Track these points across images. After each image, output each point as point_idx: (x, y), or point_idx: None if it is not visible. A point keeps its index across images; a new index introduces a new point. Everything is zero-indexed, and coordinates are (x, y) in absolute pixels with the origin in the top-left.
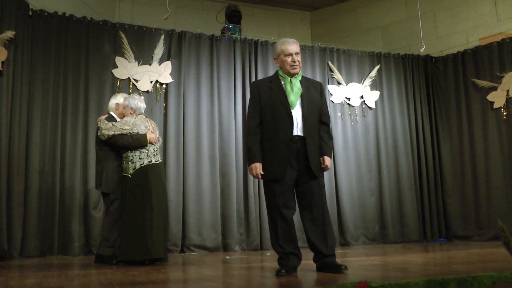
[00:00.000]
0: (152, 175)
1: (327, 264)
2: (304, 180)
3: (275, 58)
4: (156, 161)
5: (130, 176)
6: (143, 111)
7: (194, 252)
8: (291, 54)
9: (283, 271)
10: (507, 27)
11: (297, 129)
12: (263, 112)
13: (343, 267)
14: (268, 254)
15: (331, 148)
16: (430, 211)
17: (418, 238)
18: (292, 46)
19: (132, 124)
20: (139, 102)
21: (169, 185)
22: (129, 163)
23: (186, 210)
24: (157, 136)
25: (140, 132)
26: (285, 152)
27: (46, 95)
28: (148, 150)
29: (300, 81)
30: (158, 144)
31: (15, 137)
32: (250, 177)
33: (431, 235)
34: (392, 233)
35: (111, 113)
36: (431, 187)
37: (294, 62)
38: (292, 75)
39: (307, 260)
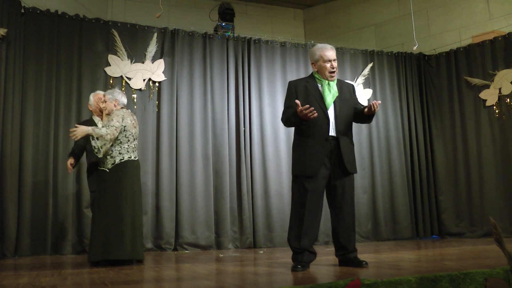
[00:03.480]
0: (130, 171)
1: (350, 259)
2: (337, 176)
3: (312, 63)
4: (134, 157)
5: (107, 170)
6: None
7: (187, 250)
8: (330, 61)
9: (299, 266)
10: (500, 25)
11: (332, 130)
12: None
13: (364, 262)
14: (262, 252)
15: None
16: (422, 208)
17: (411, 235)
18: (331, 53)
19: (122, 116)
20: (122, 96)
21: (162, 183)
22: (108, 157)
23: (179, 208)
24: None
25: (127, 126)
26: (320, 150)
27: (39, 93)
28: (129, 145)
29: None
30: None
31: (7, 135)
32: (243, 175)
33: (424, 232)
34: (384, 231)
35: (93, 117)
36: (423, 184)
37: (333, 68)
38: (330, 80)
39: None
